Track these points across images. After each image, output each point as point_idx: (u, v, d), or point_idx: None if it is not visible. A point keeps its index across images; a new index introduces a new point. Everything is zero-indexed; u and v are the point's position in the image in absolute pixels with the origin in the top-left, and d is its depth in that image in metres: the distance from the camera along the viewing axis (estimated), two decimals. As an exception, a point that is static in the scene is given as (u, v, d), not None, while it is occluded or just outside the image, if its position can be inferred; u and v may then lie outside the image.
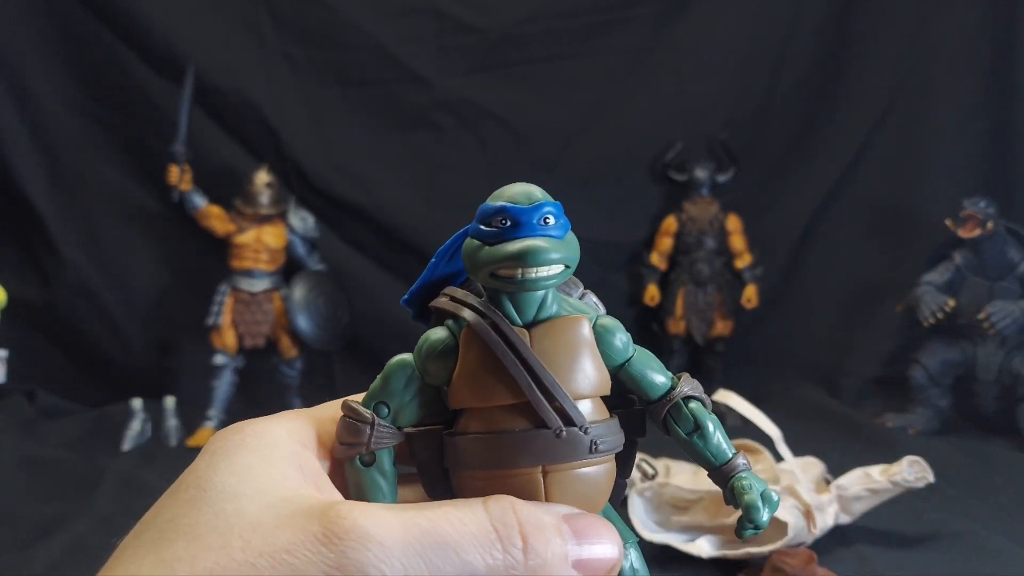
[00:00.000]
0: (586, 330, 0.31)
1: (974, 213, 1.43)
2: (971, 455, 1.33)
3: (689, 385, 0.32)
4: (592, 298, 0.34)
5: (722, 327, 1.66)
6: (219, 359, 1.51)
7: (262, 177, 1.53)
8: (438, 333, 0.32)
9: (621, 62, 1.72)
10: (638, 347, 0.32)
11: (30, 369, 1.60)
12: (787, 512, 0.91)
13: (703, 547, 0.93)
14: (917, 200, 1.68)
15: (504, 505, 0.28)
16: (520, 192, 0.30)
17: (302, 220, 1.57)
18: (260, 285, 1.52)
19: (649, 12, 1.70)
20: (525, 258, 0.29)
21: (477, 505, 0.28)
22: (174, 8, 1.60)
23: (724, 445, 0.32)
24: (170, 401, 1.45)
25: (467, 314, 0.31)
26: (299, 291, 1.52)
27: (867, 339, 1.70)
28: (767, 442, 1.04)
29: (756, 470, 1.02)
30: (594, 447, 0.30)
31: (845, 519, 0.98)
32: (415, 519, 0.26)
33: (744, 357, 1.72)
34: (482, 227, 0.30)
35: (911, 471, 0.95)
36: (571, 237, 0.31)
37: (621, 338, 0.32)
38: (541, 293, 0.31)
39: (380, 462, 0.31)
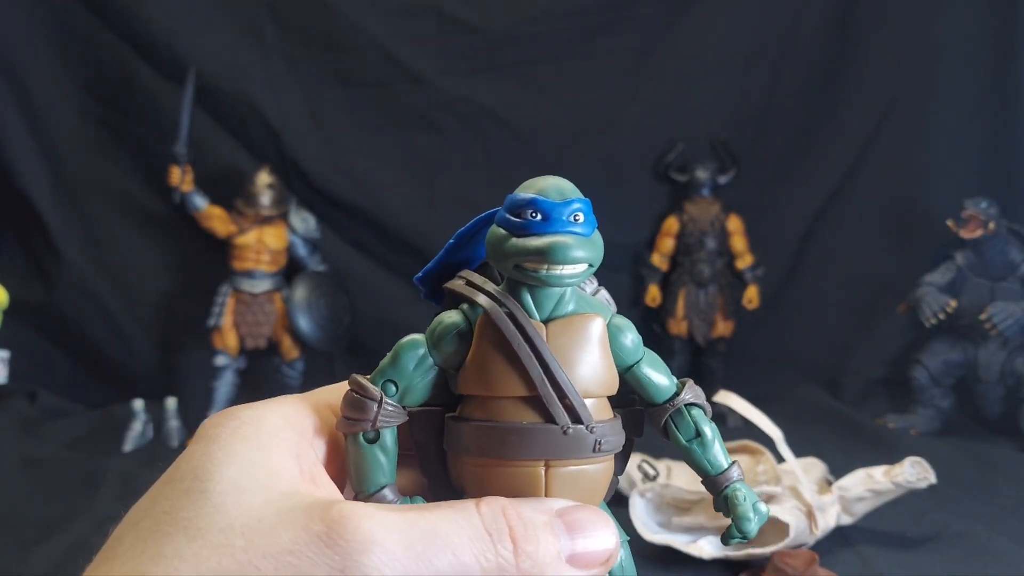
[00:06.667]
0: (601, 330, 0.31)
1: (975, 214, 1.43)
2: (973, 456, 1.33)
3: (692, 392, 0.32)
4: (604, 294, 0.34)
5: (723, 328, 1.66)
6: (220, 360, 1.51)
7: (263, 178, 1.53)
8: (452, 317, 0.31)
9: (622, 62, 1.72)
10: (647, 349, 0.33)
11: (32, 370, 1.60)
12: (789, 513, 0.91)
13: (704, 548, 0.93)
14: (919, 201, 1.68)
15: (495, 508, 0.28)
16: (552, 186, 0.30)
17: (303, 221, 1.57)
18: (261, 286, 1.52)
19: (650, 12, 1.70)
20: (552, 254, 0.29)
21: (471, 507, 0.28)
22: (176, 10, 1.60)
23: (721, 455, 0.32)
24: (171, 402, 1.45)
25: (483, 301, 0.31)
26: (300, 292, 1.52)
27: (869, 340, 1.70)
28: (768, 443, 1.04)
29: (757, 471, 1.03)
30: (598, 446, 0.30)
31: (847, 520, 0.98)
32: (416, 521, 0.27)
33: (745, 358, 1.71)
34: (510, 217, 0.30)
35: (913, 472, 0.95)
36: (597, 236, 0.30)
37: (633, 339, 0.32)
38: (561, 289, 0.31)
39: (383, 440, 0.31)
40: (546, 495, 0.30)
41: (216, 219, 1.52)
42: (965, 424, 1.53)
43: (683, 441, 0.32)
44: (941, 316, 1.47)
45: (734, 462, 0.32)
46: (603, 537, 0.29)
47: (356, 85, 1.68)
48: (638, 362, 0.32)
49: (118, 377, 1.65)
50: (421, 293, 0.35)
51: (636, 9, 1.69)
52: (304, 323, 1.51)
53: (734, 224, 1.66)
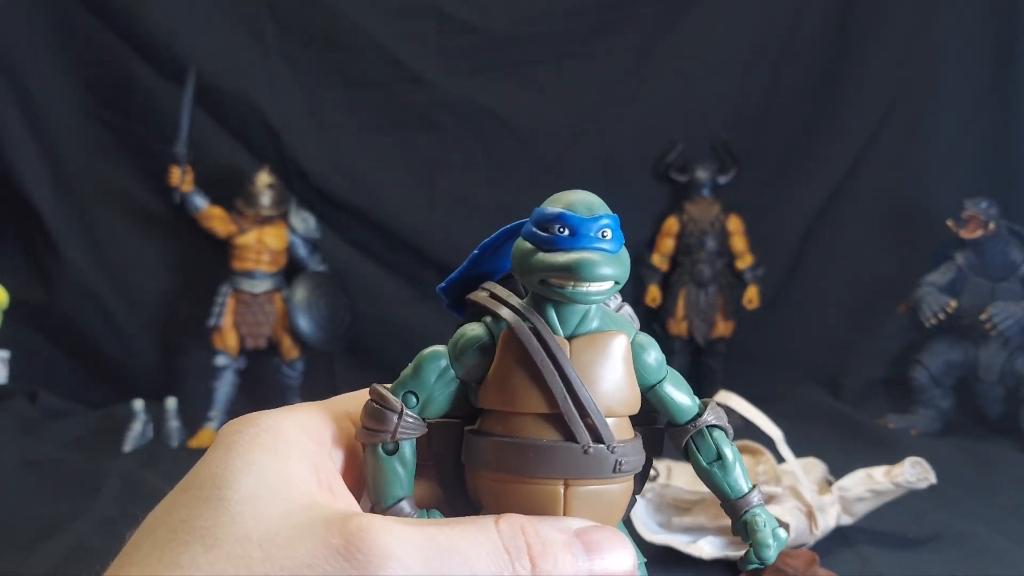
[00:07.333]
0: (625, 348, 0.31)
1: (976, 214, 1.43)
2: (973, 456, 1.33)
3: (714, 413, 0.32)
4: (628, 310, 0.34)
5: (724, 328, 1.66)
6: (220, 360, 1.51)
7: (263, 178, 1.53)
8: (475, 330, 0.31)
9: (622, 62, 1.71)
10: (670, 368, 0.32)
11: (32, 370, 1.60)
12: (789, 513, 0.91)
13: (704, 548, 0.93)
14: (919, 201, 1.68)
15: (514, 526, 0.28)
16: (580, 200, 0.30)
17: (303, 221, 1.57)
18: (261, 286, 1.52)
19: (650, 12, 1.70)
20: (579, 271, 0.28)
21: (490, 524, 0.28)
22: (176, 10, 1.60)
23: (742, 478, 0.32)
24: (171, 402, 1.45)
25: (507, 315, 0.30)
26: (300, 292, 1.52)
27: (869, 340, 1.70)
28: (768, 443, 1.04)
29: (757, 471, 1.03)
30: (618, 467, 0.30)
31: (847, 520, 0.98)
32: (435, 536, 0.27)
33: (746, 358, 1.71)
34: (537, 231, 0.30)
35: (913, 472, 0.95)
36: (624, 253, 0.30)
37: (656, 357, 0.32)
38: (586, 306, 0.30)
39: (402, 452, 0.31)
40: (564, 514, 0.30)
41: (216, 219, 1.52)
42: (965, 424, 1.53)
43: (704, 463, 0.32)
44: (941, 316, 1.47)
45: (755, 486, 0.32)
46: (621, 558, 0.29)
47: (356, 85, 1.68)
48: (661, 381, 0.32)
49: (118, 377, 1.65)
50: (444, 303, 0.35)
51: (636, 9, 1.69)
52: (304, 323, 1.51)
53: (734, 224, 1.66)
